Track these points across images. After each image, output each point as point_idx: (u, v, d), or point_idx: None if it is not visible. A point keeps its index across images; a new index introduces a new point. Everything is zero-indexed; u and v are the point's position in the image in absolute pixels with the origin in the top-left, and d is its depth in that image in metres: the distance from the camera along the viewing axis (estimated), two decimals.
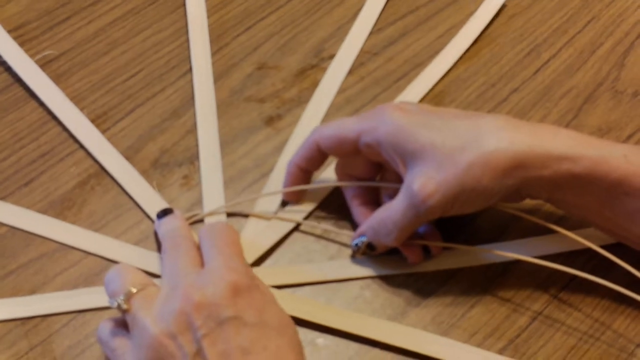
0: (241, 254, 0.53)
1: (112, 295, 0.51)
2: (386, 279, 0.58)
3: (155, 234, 0.59)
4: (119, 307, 0.49)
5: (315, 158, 0.59)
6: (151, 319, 0.48)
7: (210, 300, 0.47)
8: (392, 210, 0.54)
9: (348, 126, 0.57)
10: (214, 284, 0.48)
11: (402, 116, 0.54)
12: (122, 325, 0.51)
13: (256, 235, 0.59)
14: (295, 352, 0.49)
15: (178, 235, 0.55)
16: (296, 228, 0.61)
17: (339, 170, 0.60)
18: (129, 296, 0.49)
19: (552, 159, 0.51)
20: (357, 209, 0.60)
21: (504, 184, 0.51)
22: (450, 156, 0.51)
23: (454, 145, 0.52)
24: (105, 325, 0.51)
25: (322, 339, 0.55)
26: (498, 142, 0.51)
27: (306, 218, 0.61)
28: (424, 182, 0.52)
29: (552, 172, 0.51)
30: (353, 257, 0.59)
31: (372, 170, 0.59)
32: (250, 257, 0.58)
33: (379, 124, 0.55)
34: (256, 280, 0.51)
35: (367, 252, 0.58)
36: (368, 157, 0.57)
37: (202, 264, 0.52)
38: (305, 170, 0.60)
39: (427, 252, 0.59)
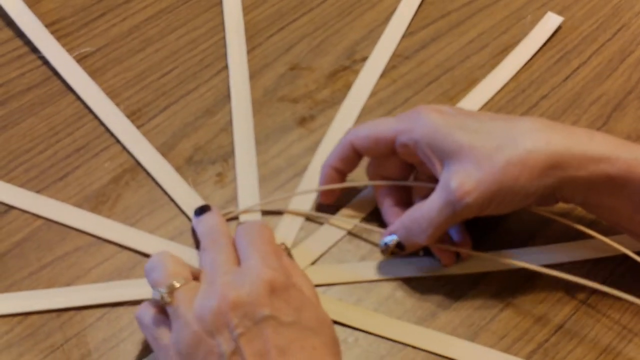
0: (277, 252, 0.53)
1: (154, 285, 0.51)
2: (417, 281, 0.59)
3: (193, 231, 0.60)
4: (162, 299, 0.50)
5: (350, 158, 0.59)
6: (191, 315, 0.49)
7: (246, 300, 0.48)
8: (427, 208, 0.55)
9: (384, 126, 0.57)
10: (250, 282, 0.49)
11: (439, 117, 0.55)
12: (164, 312, 0.51)
13: (310, 240, 0.60)
14: (332, 352, 0.49)
15: (216, 231, 0.55)
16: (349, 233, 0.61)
17: (371, 170, 0.61)
18: (171, 289, 0.50)
19: (589, 160, 0.51)
20: (388, 210, 0.60)
21: (541, 184, 0.52)
22: (488, 156, 0.52)
23: (491, 146, 0.52)
24: (147, 311, 0.51)
25: (354, 337, 0.56)
26: (535, 142, 0.52)
27: (361, 220, 0.62)
28: (462, 180, 0.52)
29: (588, 173, 0.52)
30: (384, 255, 0.59)
31: (405, 172, 0.60)
32: (304, 262, 0.59)
33: (415, 124, 0.55)
34: (293, 278, 0.51)
35: (395, 252, 0.58)
36: (403, 157, 0.58)
37: (238, 261, 0.52)
38: (340, 171, 0.60)
39: (457, 255, 0.59)
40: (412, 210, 0.56)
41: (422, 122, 0.55)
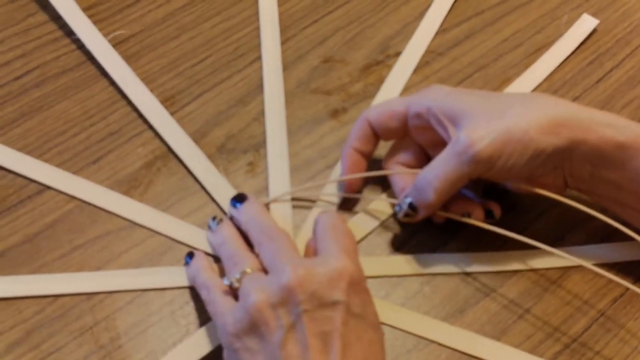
0: (357, 251, 0.54)
1: (228, 273, 0.53)
2: (446, 277, 0.59)
3: (231, 219, 0.59)
4: (231, 285, 0.51)
5: (368, 137, 0.60)
6: (258, 288, 0.49)
7: (319, 280, 0.48)
8: (434, 163, 0.55)
9: (397, 101, 0.59)
10: (329, 267, 0.49)
11: (449, 87, 0.58)
12: (232, 293, 0.52)
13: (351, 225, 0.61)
14: (383, 352, 0.50)
15: (267, 226, 0.55)
16: (383, 222, 0.61)
17: (388, 160, 0.61)
18: (243, 275, 0.51)
19: (597, 124, 0.53)
20: (398, 181, 0.60)
21: (551, 142, 0.52)
22: (498, 112, 0.54)
23: (502, 105, 0.54)
24: (215, 287, 0.53)
25: None
26: (545, 103, 0.54)
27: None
28: (471, 131, 0.53)
29: (596, 137, 0.52)
30: (399, 218, 0.59)
31: (420, 160, 0.60)
32: None
33: (427, 93, 0.58)
34: None
35: (410, 215, 0.57)
36: (415, 137, 0.59)
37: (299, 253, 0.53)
38: (361, 152, 0.60)
39: (490, 216, 0.59)
40: (422, 170, 0.56)
41: (434, 90, 0.58)
